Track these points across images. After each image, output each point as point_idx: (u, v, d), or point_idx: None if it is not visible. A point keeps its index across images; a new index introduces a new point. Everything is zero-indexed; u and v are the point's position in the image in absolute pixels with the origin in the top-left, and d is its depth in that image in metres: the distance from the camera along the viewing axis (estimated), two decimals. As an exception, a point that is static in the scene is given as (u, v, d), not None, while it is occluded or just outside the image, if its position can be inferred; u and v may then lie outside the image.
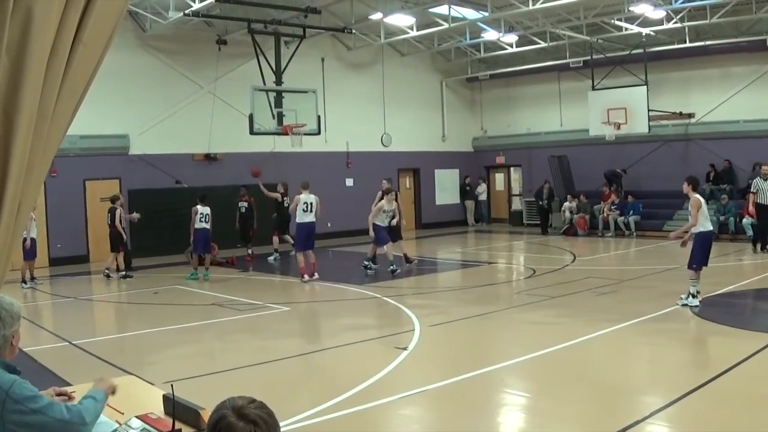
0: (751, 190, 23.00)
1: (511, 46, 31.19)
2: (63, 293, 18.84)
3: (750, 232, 24.58)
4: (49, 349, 11.93)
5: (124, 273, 21.16)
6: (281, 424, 7.61)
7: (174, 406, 3.91)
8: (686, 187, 14.81)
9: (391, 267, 19.97)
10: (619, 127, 28.16)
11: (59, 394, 4.37)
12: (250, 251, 24.60)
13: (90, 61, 3.53)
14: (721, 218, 26.17)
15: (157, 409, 4.09)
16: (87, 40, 3.41)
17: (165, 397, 4.21)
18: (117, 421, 3.99)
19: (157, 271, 22.44)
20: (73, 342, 12.52)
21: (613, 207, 29.54)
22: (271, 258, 24.50)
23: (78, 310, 16.89)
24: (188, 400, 4.10)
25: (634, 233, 28.40)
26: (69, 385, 5.75)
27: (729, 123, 28.47)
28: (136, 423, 3.86)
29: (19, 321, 3.73)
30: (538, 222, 33.00)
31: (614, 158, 30.95)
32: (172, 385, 4.00)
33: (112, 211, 21.18)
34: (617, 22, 26.95)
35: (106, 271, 21.30)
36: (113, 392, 4.09)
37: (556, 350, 11.14)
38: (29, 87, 3.20)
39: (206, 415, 2.92)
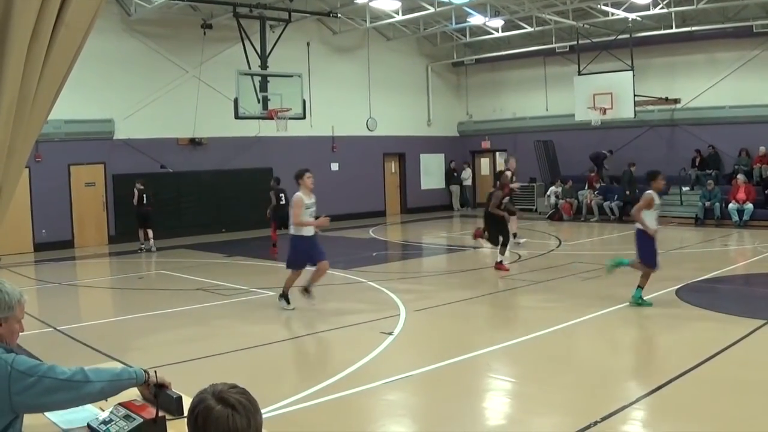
0: None
1: (497, 31, 31.17)
2: (48, 279, 18.75)
3: (735, 218, 24.76)
4: (34, 335, 11.84)
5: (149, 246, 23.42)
6: (266, 409, 7.55)
7: (157, 393, 3.88)
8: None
9: None
10: (604, 112, 28.19)
11: None
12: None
13: (72, 44, 3.48)
14: (707, 204, 26.27)
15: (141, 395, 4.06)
16: (69, 22, 3.36)
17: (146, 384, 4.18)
18: (101, 408, 3.96)
19: (142, 256, 22.40)
20: (58, 328, 12.48)
21: (595, 192, 29.63)
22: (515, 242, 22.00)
23: (63, 295, 16.79)
24: (172, 386, 4.07)
25: (620, 218, 28.49)
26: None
27: (715, 109, 28.53)
28: (120, 410, 3.83)
29: (13, 311, 3.71)
30: (526, 207, 33.19)
31: (600, 143, 31.03)
32: (155, 372, 3.97)
33: (141, 192, 23.10)
34: (603, 7, 26.93)
35: (144, 246, 23.35)
36: (154, 386, 4.01)
37: (542, 335, 11.15)
38: (10, 70, 3.15)
39: (188, 402, 2.89)
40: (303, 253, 13.48)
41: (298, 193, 13.39)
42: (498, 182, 18.51)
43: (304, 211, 13.31)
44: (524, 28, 29.99)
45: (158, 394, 3.93)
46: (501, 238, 17.23)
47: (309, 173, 13.56)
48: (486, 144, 36.67)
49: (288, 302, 13.60)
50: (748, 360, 9.55)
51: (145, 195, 23.12)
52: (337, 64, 31.97)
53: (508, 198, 18.38)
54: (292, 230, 13.48)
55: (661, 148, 29.79)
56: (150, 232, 23.34)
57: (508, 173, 19.70)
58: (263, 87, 25.34)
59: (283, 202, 21.97)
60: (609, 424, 7.26)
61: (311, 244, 13.48)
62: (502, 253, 17.22)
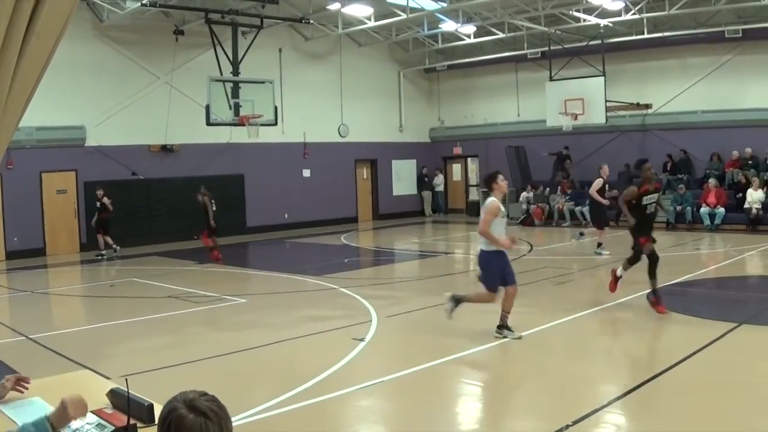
0: None
1: (469, 37, 31.26)
2: (20, 287, 18.64)
3: (707, 222, 25.01)
4: (5, 344, 11.79)
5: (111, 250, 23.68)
6: (238, 417, 7.56)
7: (129, 401, 3.87)
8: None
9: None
10: (576, 118, 28.32)
11: (19, 380, 4.37)
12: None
13: (43, 52, 3.48)
14: (678, 208, 26.45)
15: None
16: (40, 31, 3.36)
17: (111, 392, 4.17)
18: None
19: (114, 264, 22.30)
20: (30, 336, 12.40)
21: (566, 197, 29.77)
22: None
23: (34, 303, 16.70)
24: (144, 394, 4.06)
25: (591, 223, 28.61)
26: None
27: (686, 114, 28.78)
28: (91, 418, 3.82)
29: None
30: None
31: (571, 149, 31.20)
32: (126, 380, 3.96)
33: (101, 198, 23.41)
34: (575, 13, 27.07)
35: (105, 253, 23.56)
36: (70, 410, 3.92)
37: (514, 340, 11.18)
38: (-20, 79, 3.15)
39: (159, 410, 2.89)
40: (499, 269, 11.34)
41: (493, 198, 11.27)
42: (640, 175, 13.50)
43: (499, 220, 11.22)
44: (496, 34, 30.11)
45: (130, 401, 3.92)
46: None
47: (502, 174, 11.62)
48: (457, 150, 36.79)
49: (512, 330, 11.37)
50: (720, 362, 9.63)
51: (99, 201, 23.50)
52: (309, 71, 31.93)
53: (653, 199, 13.07)
54: (482, 245, 11.51)
55: (633, 153, 29.88)
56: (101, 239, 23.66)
57: (649, 164, 13.62)
58: (235, 93, 25.30)
59: (214, 208, 22.05)
60: (581, 427, 7.31)
61: (505, 262, 11.51)
62: (625, 268, 13.51)
